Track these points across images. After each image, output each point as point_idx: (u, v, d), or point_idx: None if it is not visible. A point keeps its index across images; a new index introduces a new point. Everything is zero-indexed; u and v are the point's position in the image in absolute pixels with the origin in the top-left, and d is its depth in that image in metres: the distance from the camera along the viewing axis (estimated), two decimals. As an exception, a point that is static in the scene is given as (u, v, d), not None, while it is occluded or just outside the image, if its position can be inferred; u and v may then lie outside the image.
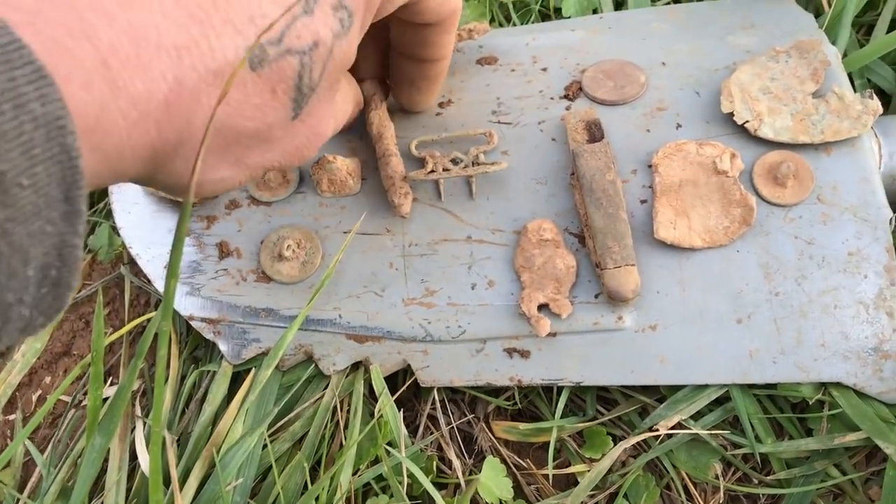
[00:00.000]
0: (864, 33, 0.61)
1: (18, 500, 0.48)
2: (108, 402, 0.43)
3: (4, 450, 0.53)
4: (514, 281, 0.49)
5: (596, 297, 0.48)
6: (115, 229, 0.59)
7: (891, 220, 0.47)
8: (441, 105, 0.55)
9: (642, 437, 0.47)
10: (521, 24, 0.64)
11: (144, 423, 0.48)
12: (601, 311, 0.48)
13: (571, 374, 0.48)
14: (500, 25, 0.65)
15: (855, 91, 0.57)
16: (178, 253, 0.32)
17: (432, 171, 0.51)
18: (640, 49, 0.56)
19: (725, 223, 0.48)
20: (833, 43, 0.56)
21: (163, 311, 0.34)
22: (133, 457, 0.48)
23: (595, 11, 0.63)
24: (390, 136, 0.51)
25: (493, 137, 0.52)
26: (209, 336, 0.50)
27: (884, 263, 0.46)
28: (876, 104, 0.48)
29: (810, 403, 0.47)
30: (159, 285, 0.52)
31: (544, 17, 0.65)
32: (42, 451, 0.52)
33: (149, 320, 0.55)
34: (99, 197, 0.62)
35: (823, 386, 0.47)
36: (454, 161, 0.52)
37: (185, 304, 0.51)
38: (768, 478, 0.47)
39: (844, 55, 0.57)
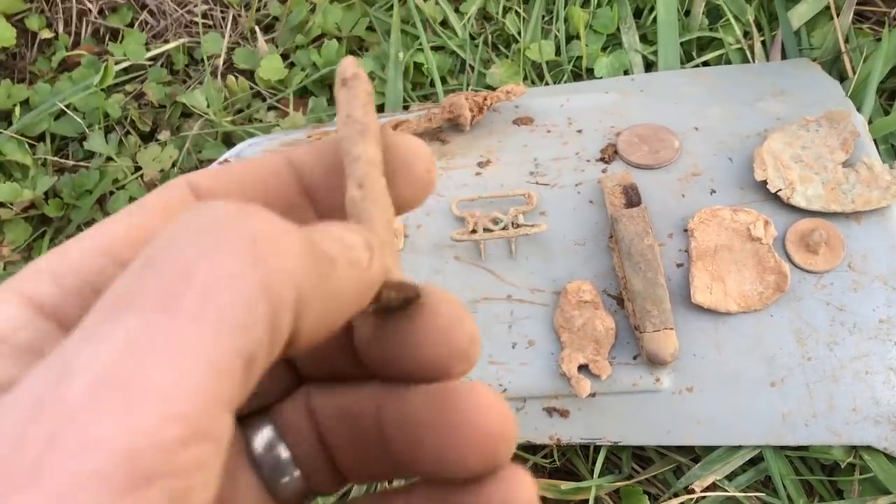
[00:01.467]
0: (888, 98, 0.63)
1: None
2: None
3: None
4: (554, 341, 0.51)
5: (634, 358, 0.50)
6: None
7: (920, 288, 0.49)
8: (480, 165, 0.57)
9: (680, 500, 0.48)
10: (554, 83, 0.66)
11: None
12: (639, 373, 0.49)
13: (610, 434, 0.49)
14: (533, 83, 0.67)
15: (882, 158, 0.59)
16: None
17: (474, 231, 0.52)
18: (673, 113, 0.58)
19: (760, 289, 0.50)
20: (858, 108, 0.58)
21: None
22: None
23: (626, 72, 0.65)
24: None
25: (532, 199, 0.54)
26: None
27: (914, 331, 0.48)
28: (905, 176, 0.50)
29: (842, 466, 0.48)
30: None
31: (576, 76, 0.67)
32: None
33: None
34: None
35: (854, 449, 0.48)
36: (494, 221, 0.53)
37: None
38: (800, 538, 0.48)
39: (869, 121, 0.58)
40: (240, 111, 0.69)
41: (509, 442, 0.18)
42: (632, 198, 0.53)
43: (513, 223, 0.53)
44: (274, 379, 0.20)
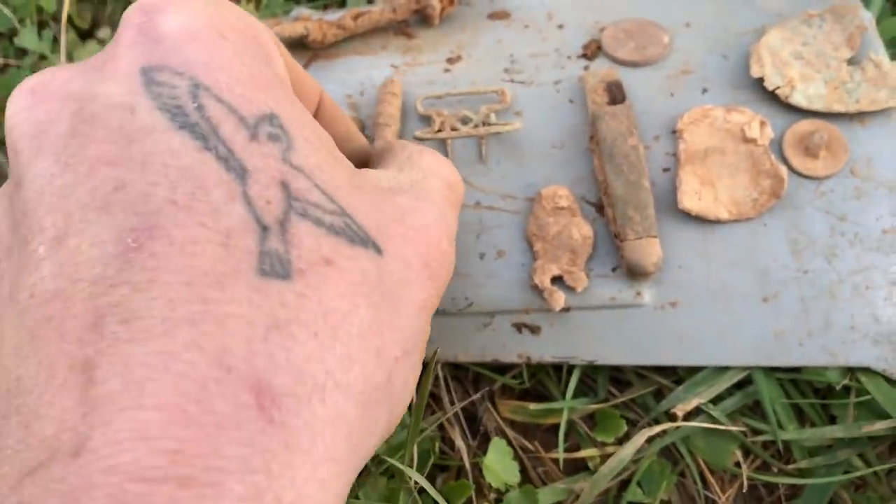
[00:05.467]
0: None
1: None
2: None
3: None
4: (526, 251, 0.46)
5: (613, 270, 0.45)
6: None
7: (929, 196, 0.44)
8: (450, 61, 0.51)
9: (666, 426, 0.43)
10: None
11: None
12: (619, 286, 0.45)
13: (584, 353, 0.45)
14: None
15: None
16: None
17: (440, 131, 0.47)
18: (662, 7, 0.53)
19: (754, 195, 0.45)
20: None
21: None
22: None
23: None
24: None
25: (505, 96, 0.49)
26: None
27: (921, 243, 0.43)
28: (917, 73, 0.45)
29: (836, 389, 0.44)
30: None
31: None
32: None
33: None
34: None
35: (850, 371, 0.44)
36: (463, 120, 0.48)
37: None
38: (789, 466, 0.44)
39: (877, 23, 0.53)
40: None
41: None
42: (615, 95, 0.47)
43: (483, 122, 0.47)
44: None
